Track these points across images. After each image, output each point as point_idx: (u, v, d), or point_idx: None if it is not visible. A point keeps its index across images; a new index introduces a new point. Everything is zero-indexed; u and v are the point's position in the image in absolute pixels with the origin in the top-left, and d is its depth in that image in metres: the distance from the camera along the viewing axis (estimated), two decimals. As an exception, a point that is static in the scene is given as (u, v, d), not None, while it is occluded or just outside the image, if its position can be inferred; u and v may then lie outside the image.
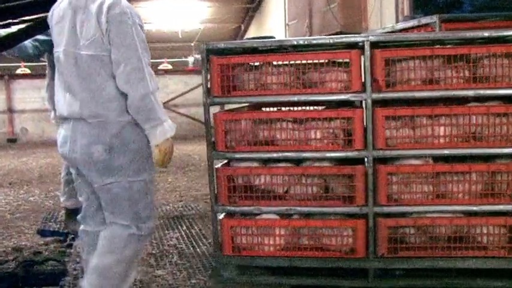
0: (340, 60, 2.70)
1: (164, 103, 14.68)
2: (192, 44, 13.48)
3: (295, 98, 2.68)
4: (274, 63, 2.72)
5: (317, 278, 2.72)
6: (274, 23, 9.81)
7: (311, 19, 7.10)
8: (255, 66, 2.70)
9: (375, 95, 2.57)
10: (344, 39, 2.71)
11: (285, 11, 9.31)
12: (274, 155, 2.71)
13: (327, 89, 2.63)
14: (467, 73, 2.52)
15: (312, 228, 2.71)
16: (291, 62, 2.67)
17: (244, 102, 2.80)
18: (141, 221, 2.25)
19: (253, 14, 12.49)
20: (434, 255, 2.60)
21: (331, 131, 2.65)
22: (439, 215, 2.60)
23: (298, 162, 2.77)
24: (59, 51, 2.21)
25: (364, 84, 2.59)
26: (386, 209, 2.62)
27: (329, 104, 2.81)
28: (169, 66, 13.01)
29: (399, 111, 2.57)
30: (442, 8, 4.13)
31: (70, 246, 3.62)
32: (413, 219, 2.61)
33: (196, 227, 4.36)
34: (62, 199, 4.07)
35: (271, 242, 2.75)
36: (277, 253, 2.75)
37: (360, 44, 2.57)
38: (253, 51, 2.78)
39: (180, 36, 12.82)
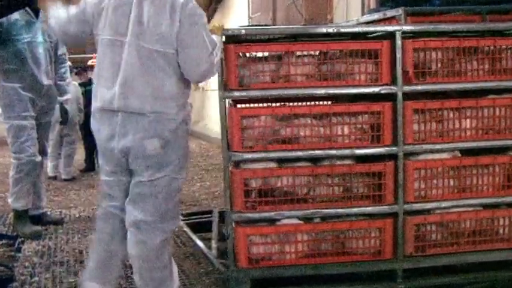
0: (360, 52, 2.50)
1: None
2: None
3: (322, 91, 2.44)
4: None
5: (342, 285, 2.53)
6: (237, 16, 9.52)
7: (275, 12, 6.94)
8: (277, 56, 2.41)
9: (406, 88, 2.44)
10: (376, 28, 2.53)
11: (248, 3, 9.07)
12: (299, 153, 2.44)
13: (356, 81, 2.44)
14: (490, 65, 2.50)
15: (337, 231, 2.51)
16: (316, 52, 2.43)
17: (266, 96, 2.47)
18: (178, 216, 2.35)
19: (216, 6, 12.19)
20: (459, 250, 2.56)
21: (359, 126, 2.46)
22: (464, 209, 2.56)
23: (313, 161, 2.54)
24: (119, 40, 2.12)
25: (394, 77, 2.44)
26: (414, 206, 2.51)
27: (348, 98, 2.61)
28: None
29: (429, 104, 2.47)
30: (411, 1, 4.11)
31: (19, 250, 3.48)
32: (440, 215, 2.54)
33: None
34: (10, 200, 3.83)
35: (292, 250, 2.49)
36: (300, 261, 2.50)
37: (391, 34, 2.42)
38: (272, 40, 2.48)
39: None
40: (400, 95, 2.43)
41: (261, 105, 2.74)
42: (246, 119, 2.41)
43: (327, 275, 2.54)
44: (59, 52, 4.01)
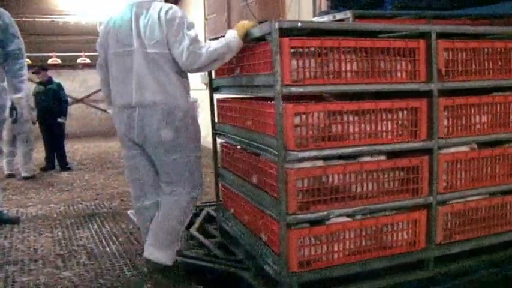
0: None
1: (83, 98, 13.74)
2: None
3: (371, 88, 2.45)
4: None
5: (381, 278, 2.56)
6: (193, 17, 9.27)
7: (229, 13, 6.80)
8: (325, 51, 2.35)
9: (440, 85, 2.56)
10: (411, 28, 2.59)
11: (204, 5, 8.73)
12: (350, 150, 2.42)
13: (398, 78, 2.50)
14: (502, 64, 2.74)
15: (379, 226, 2.54)
16: (361, 49, 2.42)
17: (320, 92, 2.39)
18: (197, 187, 2.87)
19: None
20: (478, 235, 2.76)
21: (400, 122, 2.52)
22: (482, 197, 2.77)
23: (355, 157, 2.54)
24: (126, 50, 2.65)
25: (429, 74, 2.54)
26: (445, 197, 2.65)
27: (381, 94, 2.65)
28: (88, 61, 12.30)
29: (457, 100, 2.63)
30: (364, 5, 4.33)
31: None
32: (463, 204, 2.71)
33: (107, 226, 4.29)
34: None
35: (341, 248, 2.47)
36: (347, 259, 2.48)
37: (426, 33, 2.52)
38: (319, 33, 2.40)
39: (99, 30, 11.12)
40: (435, 91, 2.55)
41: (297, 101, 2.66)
42: (299, 116, 2.32)
43: (360, 272, 2.53)
44: (11, 48, 3.68)
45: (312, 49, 2.32)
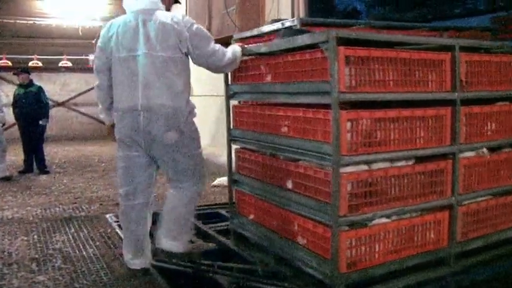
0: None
1: (64, 102, 13.75)
2: (93, 42, 11.52)
3: (409, 96, 2.63)
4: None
5: (412, 275, 2.72)
6: None
7: (210, 21, 6.81)
8: (373, 60, 2.49)
9: (462, 94, 2.80)
10: (439, 40, 2.81)
11: (186, 11, 8.51)
12: (394, 155, 2.58)
13: (428, 87, 2.70)
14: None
15: (411, 226, 2.71)
16: (398, 59, 2.58)
17: (372, 99, 2.52)
18: (201, 180, 3.11)
19: None
20: (487, 232, 3.02)
21: (430, 128, 2.72)
22: (491, 197, 3.03)
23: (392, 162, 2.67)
24: (131, 55, 2.78)
25: (454, 84, 2.77)
26: (464, 198, 2.89)
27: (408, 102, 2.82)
28: (70, 64, 12.33)
29: (474, 108, 2.88)
30: (341, 15, 4.57)
31: None
32: (477, 204, 2.96)
33: (85, 230, 4.25)
34: None
35: (381, 248, 2.60)
36: (387, 258, 2.62)
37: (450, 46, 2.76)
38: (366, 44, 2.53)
39: (81, 33, 11.42)
40: (458, 100, 2.78)
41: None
42: (350, 122, 2.43)
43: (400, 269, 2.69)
44: None
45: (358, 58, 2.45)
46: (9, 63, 11.23)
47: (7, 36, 11.44)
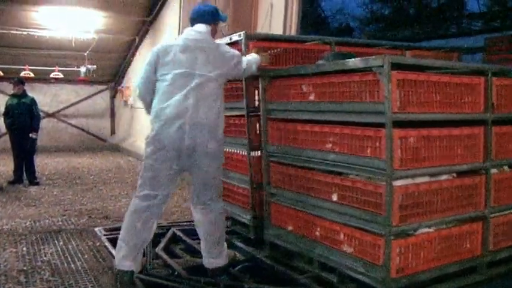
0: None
1: (54, 113, 13.84)
2: (86, 54, 11.96)
3: (449, 116, 2.88)
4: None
5: (449, 281, 2.94)
6: (168, 37, 9.15)
7: None
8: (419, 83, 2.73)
9: (494, 115, 3.07)
10: (473, 66, 3.10)
11: (179, 26, 8.73)
12: (436, 170, 2.82)
13: (465, 108, 2.96)
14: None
15: (450, 236, 2.92)
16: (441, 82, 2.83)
17: (421, 119, 2.77)
18: (221, 195, 3.48)
19: (148, 27, 11.39)
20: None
21: (465, 145, 2.96)
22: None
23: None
24: (187, 71, 3.16)
25: (486, 106, 3.04)
26: (496, 209, 3.13)
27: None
28: (61, 75, 12.22)
29: (503, 128, 3.15)
30: (335, 32, 4.81)
31: None
32: (505, 216, 3.20)
33: (73, 242, 4.26)
34: None
35: (425, 256, 2.81)
36: (430, 265, 2.83)
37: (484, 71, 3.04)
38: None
39: (73, 45, 11.13)
40: (490, 121, 3.04)
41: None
42: (400, 139, 2.65)
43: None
44: None
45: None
46: (1, 73, 11.18)
47: (-1, 46, 11.46)
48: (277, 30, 6.25)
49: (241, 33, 3.74)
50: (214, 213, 3.33)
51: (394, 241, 2.65)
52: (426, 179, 2.84)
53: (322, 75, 3.08)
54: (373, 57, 2.64)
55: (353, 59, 2.84)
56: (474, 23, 14.02)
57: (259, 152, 3.74)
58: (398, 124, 2.74)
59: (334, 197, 3.02)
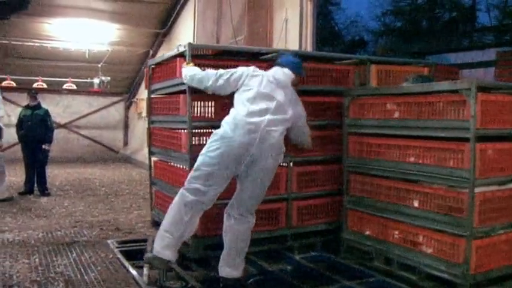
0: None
1: (66, 124, 13.92)
2: (99, 66, 12.06)
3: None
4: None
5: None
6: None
7: None
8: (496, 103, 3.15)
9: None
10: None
11: (194, 39, 8.90)
12: (508, 178, 3.25)
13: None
14: None
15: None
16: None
17: (496, 135, 3.20)
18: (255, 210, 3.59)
19: (162, 39, 11.51)
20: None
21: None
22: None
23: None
24: (270, 94, 3.48)
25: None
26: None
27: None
28: (74, 87, 12.29)
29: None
30: (347, 45, 5.11)
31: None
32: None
33: (86, 254, 4.25)
34: None
35: (497, 255, 3.21)
36: (501, 263, 3.23)
37: None
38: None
39: (87, 57, 11.23)
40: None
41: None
42: (481, 152, 3.07)
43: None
44: None
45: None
46: (13, 84, 11.25)
47: (12, 57, 11.45)
48: (293, 44, 6.39)
49: (186, 44, 3.87)
50: (247, 225, 3.46)
51: (475, 241, 3.05)
52: (501, 186, 3.23)
53: (407, 95, 3.47)
54: (460, 81, 3.06)
55: (442, 82, 3.29)
56: (485, 37, 14.67)
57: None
58: (478, 139, 3.12)
59: (416, 203, 3.41)
